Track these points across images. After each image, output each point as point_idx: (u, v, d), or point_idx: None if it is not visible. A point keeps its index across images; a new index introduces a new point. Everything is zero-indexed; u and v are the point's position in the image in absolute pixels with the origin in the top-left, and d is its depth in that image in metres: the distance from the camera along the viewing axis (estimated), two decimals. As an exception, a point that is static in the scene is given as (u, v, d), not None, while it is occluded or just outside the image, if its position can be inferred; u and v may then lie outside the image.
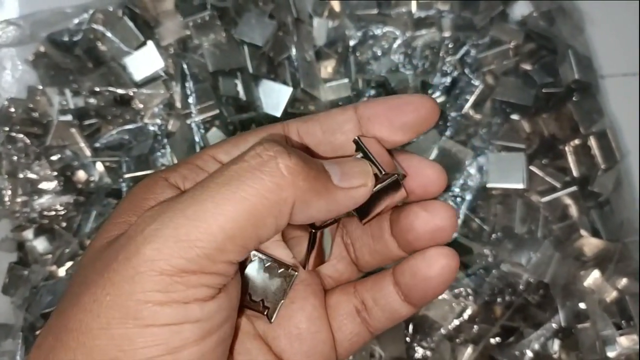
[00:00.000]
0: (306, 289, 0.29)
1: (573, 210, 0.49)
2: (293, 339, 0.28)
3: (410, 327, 0.47)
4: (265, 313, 0.28)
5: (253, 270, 0.28)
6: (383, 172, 0.26)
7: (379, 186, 0.26)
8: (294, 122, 0.27)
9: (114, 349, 0.22)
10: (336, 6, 0.52)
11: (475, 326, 0.47)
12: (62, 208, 0.47)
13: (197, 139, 0.48)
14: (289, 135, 0.27)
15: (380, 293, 0.29)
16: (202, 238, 0.22)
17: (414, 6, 0.52)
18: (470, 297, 0.47)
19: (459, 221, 0.49)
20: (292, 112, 0.49)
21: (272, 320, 0.28)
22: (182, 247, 0.22)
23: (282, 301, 0.28)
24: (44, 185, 0.48)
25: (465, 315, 0.47)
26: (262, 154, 0.23)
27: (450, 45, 0.51)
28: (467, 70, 0.51)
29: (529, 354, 0.46)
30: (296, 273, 0.28)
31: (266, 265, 0.28)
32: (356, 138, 0.26)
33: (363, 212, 0.27)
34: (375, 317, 0.29)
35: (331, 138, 0.27)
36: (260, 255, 0.28)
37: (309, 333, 0.28)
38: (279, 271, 0.28)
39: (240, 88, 0.49)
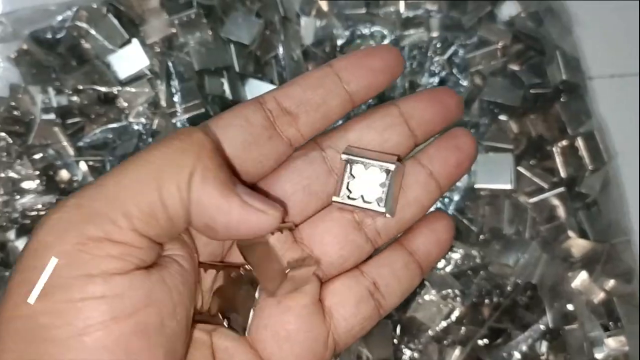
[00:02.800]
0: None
1: (561, 211, 0.49)
2: (282, 342, 0.26)
3: (398, 328, 0.47)
4: (237, 328, 0.26)
5: (218, 285, 0.26)
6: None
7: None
8: (269, 93, 0.27)
9: (23, 332, 0.20)
10: (324, 5, 0.51)
11: (462, 328, 0.47)
12: (44, 208, 0.47)
13: (182, 138, 0.48)
14: (265, 106, 0.26)
15: (395, 266, 0.28)
16: (102, 199, 0.21)
17: (402, 6, 0.52)
18: (458, 299, 0.47)
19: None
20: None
21: (247, 334, 0.26)
22: (84, 212, 0.21)
23: (253, 309, 0.26)
24: (26, 185, 0.47)
25: (453, 317, 0.47)
26: (184, 129, 0.24)
27: (438, 45, 0.51)
28: (455, 71, 0.51)
29: (517, 355, 0.46)
30: None
31: (231, 275, 0.26)
32: (345, 156, 0.27)
33: None
34: (390, 294, 0.28)
35: (313, 94, 0.26)
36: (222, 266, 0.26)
37: (300, 333, 0.26)
38: (244, 278, 0.26)
39: (226, 87, 0.48)
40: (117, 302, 0.21)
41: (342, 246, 0.28)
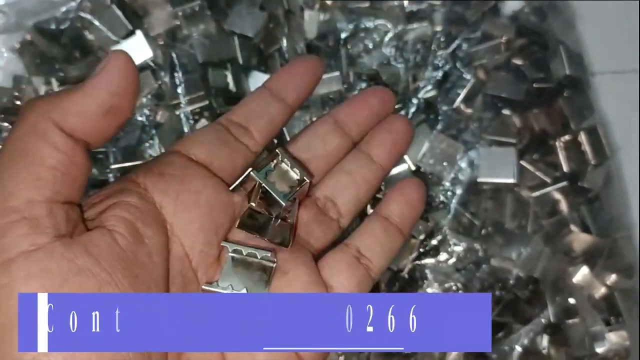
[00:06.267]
0: (296, 259, 0.29)
1: (563, 206, 0.49)
2: None
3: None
4: None
5: (230, 266, 0.28)
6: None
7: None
8: (222, 116, 0.31)
9: None
10: (328, -1, 0.51)
11: (464, 321, 0.47)
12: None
13: (186, 130, 0.48)
14: (219, 122, 0.30)
15: (374, 232, 0.31)
16: None
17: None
18: (460, 292, 0.47)
19: (450, 216, 0.49)
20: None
21: None
22: None
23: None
24: (28, 176, 0.47)
25: (455, 311, 0.47)
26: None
27: (441, 39, 0.51)
28: (458, 65, 0.51)
29: (518, 349, 0.46)
30: (275, 264, 0.28)
31: (245, 254, 0.28)
32: (279, 149, 0.31)
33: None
34: (375, 257, 0.31)
35: (256, 107, 0.31)
36: (237, 246, 0.28)
37: None
38: (257, 262, 0.28)
39: (230, 79, 0.48)
40: (44, 275, 0.22)
41: (318, 224, 0.32)
